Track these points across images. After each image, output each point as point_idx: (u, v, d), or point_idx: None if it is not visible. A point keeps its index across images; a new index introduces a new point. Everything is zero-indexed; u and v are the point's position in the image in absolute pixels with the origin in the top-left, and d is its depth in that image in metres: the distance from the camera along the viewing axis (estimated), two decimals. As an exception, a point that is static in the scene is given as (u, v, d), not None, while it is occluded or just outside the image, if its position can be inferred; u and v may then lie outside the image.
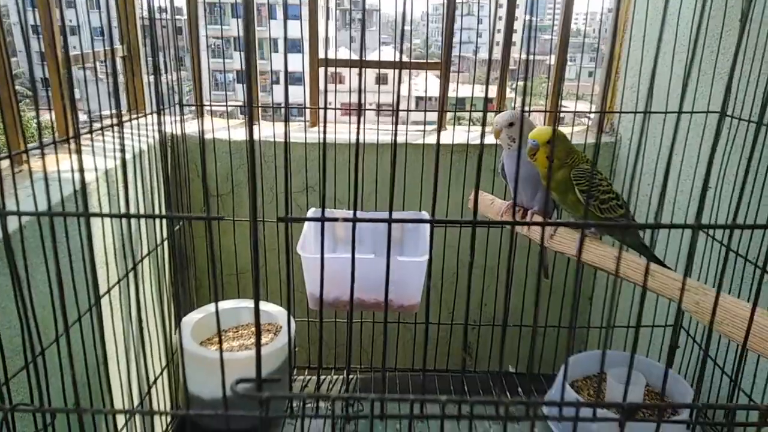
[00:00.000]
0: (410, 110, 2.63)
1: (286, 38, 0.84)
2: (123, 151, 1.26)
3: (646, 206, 2.48)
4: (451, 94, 2.74)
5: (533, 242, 1.96)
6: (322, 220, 0.81)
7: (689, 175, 2.11)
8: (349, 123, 2.46)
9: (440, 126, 2.82)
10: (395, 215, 0.76)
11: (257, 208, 0.71)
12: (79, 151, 0.72)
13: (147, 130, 2.02)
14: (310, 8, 2.66)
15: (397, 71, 0.88)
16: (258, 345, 0.76)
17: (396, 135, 0.69)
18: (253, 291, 0.70)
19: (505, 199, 1.85)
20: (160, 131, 2.13)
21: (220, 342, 0.76)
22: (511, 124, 1.61)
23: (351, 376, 2.48)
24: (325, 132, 0.81)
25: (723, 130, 1.87)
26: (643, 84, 2.45)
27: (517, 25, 2.92)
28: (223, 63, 2.74)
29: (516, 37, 2.85)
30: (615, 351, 2.20)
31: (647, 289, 1.30)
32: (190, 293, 2.61)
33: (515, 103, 1.35)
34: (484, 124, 0.84)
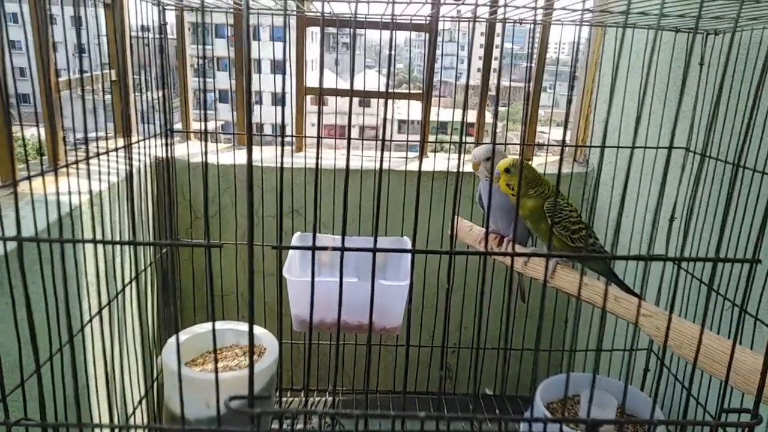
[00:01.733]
0: (393, 141, 2.73)
1: (284, 69, 0.91)
2: (129, 175, 1.31)
3: (617, 237, 2.59)
4: (433, 118, 2.83)
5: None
6: (313, 248, 0.89)
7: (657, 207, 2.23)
8: (335, 148, 2.55)
9: (422, 155, 2.92)
10: (378, 241, 0.84)
11: (253, 234, 0.78)
12: (88, 176, 0.79)
13: (140, 154, 2.08)
14: (298, 38, 2.76)
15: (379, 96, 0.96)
16: (251, 362, 0.82)
17: (381, 164, 0.77)
18: (248, 311, 0.76)
19: (483, 226, 1.94)
20: (165, 156, 2.17)
21: (215, 362, 0.81)
22: (488, 159, 1.71)
23: (334, 398, 2.52)
24: (316, 159, 0.89)
25: (686, 164, 2.00)
26: (614, 118, 2.59)
27: (498, 54, 3.03)
28: (214, 83, 2.81)
29: (496, 65, 2.97)
30: (590, 374, 2.27)
31: (611, 313, 1.39)
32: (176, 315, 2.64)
33: (495, 128, 1.43)
34: (460, 153, 0.93)
